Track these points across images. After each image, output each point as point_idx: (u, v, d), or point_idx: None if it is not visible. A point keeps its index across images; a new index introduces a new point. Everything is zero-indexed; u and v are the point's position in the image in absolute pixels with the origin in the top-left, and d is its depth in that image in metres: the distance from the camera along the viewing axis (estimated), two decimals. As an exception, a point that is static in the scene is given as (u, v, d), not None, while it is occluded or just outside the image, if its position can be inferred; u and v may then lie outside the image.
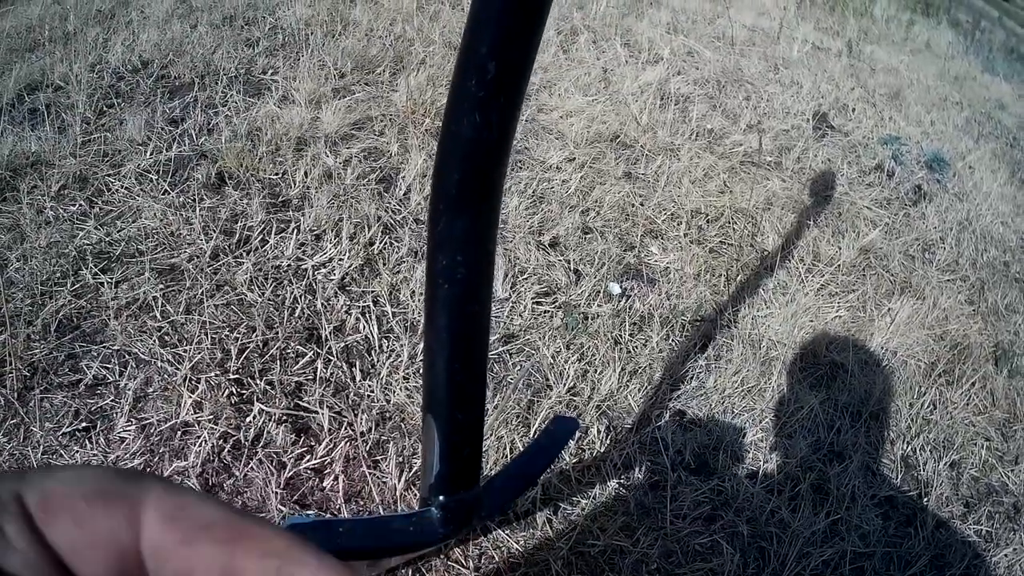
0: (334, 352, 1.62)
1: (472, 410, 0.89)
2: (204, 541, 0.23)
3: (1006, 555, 1.71)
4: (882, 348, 2.18)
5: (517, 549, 1.39)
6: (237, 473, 1.36)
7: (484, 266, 0.80)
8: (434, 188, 0.78)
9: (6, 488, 0.22)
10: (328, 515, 1.34)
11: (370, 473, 1.42)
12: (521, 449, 1.54)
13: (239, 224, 1.87)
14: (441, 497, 0.91)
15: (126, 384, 1.45)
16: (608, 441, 1.64)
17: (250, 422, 1.44)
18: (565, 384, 1.72)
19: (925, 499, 1.79)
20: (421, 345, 1.67)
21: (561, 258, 2.10)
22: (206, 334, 1.57)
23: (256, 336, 1.60)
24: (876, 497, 1.75)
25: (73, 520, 0.22)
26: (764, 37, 4.56)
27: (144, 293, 1.62)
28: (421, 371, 0.99)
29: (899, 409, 2.02)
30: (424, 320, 0.84)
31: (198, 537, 0.23)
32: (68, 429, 1.34)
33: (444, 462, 0.89)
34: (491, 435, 1.54)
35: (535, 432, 1.58)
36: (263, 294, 1.70)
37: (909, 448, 1.91)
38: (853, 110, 3.83)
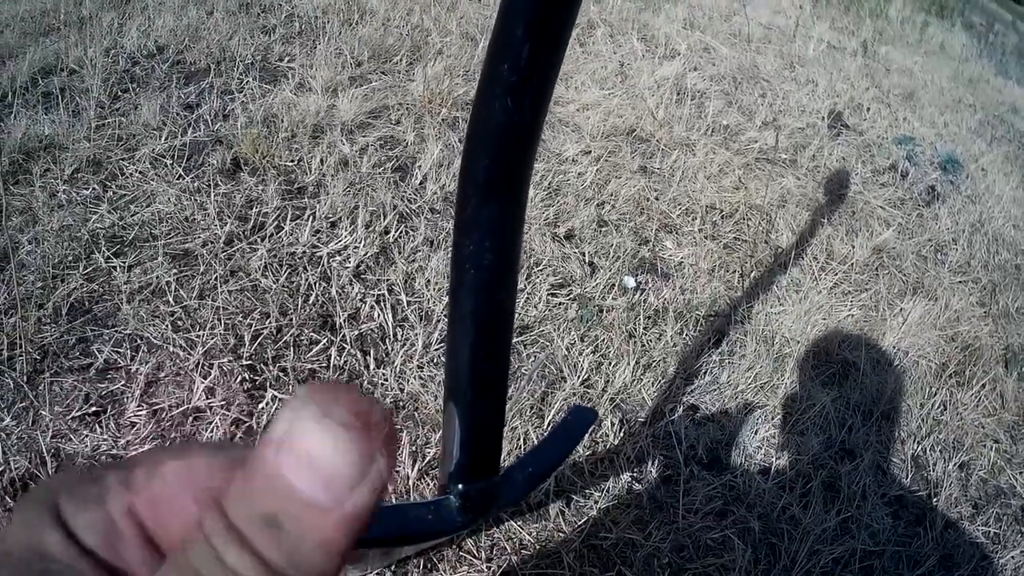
0: (348, 340, 1.62)
1: (495, 398, 0.88)
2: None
3: (1013, 557, 1.71)
4: (894, 348, 2.18)
5: (529, 541, 1.39)
6: (250, 459, 1.36)
7: (512, 252, 0.79)
8: (462, 172, 0.77)
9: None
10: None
11: (383, 461, 1.42)
12: (535, 440, 1.54)
13: (254, 210, 1.86)
14: (460, 485, 0.90)
15: (137, 369, 1.44)
16: (621, 434, 1.64)
17: (262, 409, 1.44)
18: (579, 376, 1.71)
19: (934, 499, 1.79)
20: (436, 335, 1.67)
21: (576, 250, 2.09)
22: (219, 320, 1.57)
23: (270, 322, 1.60)
24: (886, 496, 1.74)
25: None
26: (780, 35, 4.55)
27: (157, 278, 1.62)
28: (444, 357, 0.98)
29: (910, 409, 2.01)
30: (449, 306, 0.83)
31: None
32: (78, 413, 1.34)
33: (465, 450, 0.88)
34: (505, 426, 1.54)
35: (549, 423, 1.58)
36: (277, 280, 1.69)
37: (919, 448, 1.90)
38: (868, 110, 3.81)
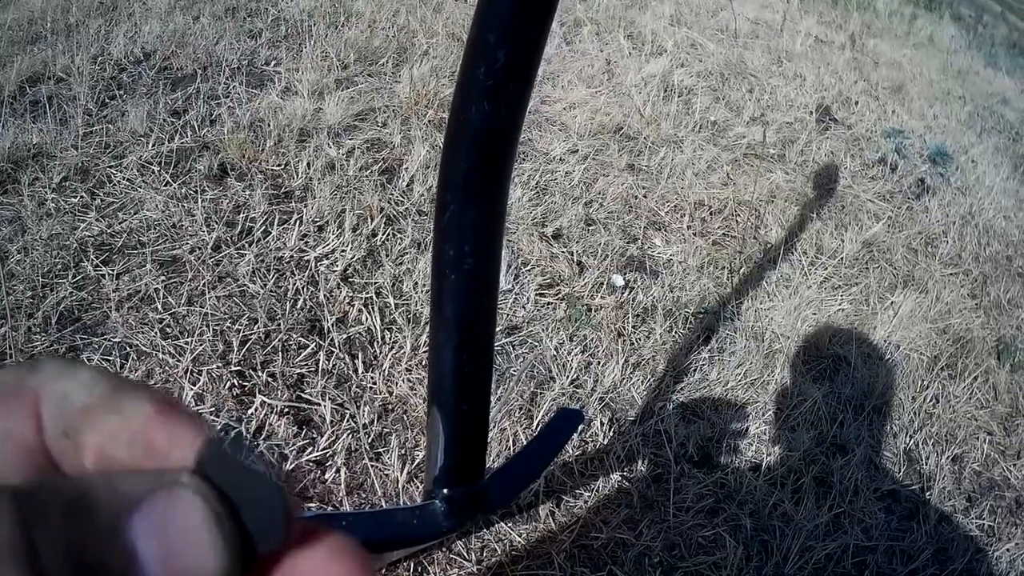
0: (336, 344, 1.62)
1: (478, 402, 0.88)
2: (85, 428, 0.21)
3: (1008, 550, 1.71)
4: (885, 341, 2.18)
5: (519, 542, 1.39)
6: (239, 465, 1.35)
7: (492, 256, 0.79)
8: (441, 177, 0.78)
9: None
10: (330, 508, 1.34)
11: (372, 465, 1.42)
12: (524, 441, 1.54)
13: (241, 215, 1.86)
14: (446, 490, 0.90)
15: (127, 376, 1.44)
16: (611, 433, 1.64)
17: (252, 414, 1.43)
18: (568, 376, 1.71)
19: (927, 493, 1.79)
20: (424, 337, 1.67)
21: (564, 250, 2.09)
22: (208, 326, 1.57)
23: (258, 328, 1.60)
24: (879, 491, 1.75)
25: None
26: (767, 30, 4.55)
27: (146, 285, 1.61)
28: (427, 363, 0.99)
29: (901, 403, 2.01)
30: (431, 311, 0.83)
31: (79, 425, 0.21)
32: (70, 422, 1.34)
33: (449, 455, 0.89)
34: (494, 427, 1.54)
35: (538, 424, 1.58)
36: (265, 285, 1.69)
37: (912, 442, 1.91)
38: (856, 103, 3.81)
